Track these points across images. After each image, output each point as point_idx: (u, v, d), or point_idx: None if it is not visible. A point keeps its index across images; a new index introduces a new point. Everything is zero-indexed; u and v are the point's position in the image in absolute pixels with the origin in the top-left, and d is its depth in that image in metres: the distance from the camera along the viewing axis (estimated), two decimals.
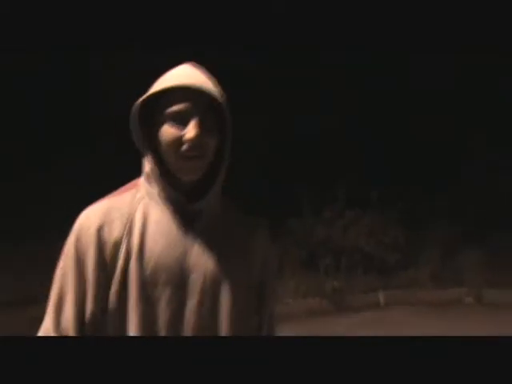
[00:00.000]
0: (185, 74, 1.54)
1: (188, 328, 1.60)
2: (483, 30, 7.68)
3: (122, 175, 2.00)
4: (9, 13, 7.37)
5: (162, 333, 1.58)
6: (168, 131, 1.54)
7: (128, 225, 1.58)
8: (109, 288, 1.57)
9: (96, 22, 7.47)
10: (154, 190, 1.60)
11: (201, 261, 1.59)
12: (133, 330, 1.57)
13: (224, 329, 1.62)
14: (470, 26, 7.71)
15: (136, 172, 1.72)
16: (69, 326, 1.59)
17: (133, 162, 1.97)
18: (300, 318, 6.72)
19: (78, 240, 1.58)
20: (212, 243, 1.61)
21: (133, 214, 1.59)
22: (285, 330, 2.69)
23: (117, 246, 1.56)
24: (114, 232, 1.57)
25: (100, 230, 1.57)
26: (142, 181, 1.64)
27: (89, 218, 1.58)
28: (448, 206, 9.18)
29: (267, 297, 1.74)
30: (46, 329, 1.62)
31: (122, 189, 1.66)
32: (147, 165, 1.61)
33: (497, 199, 9.38)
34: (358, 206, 8.22)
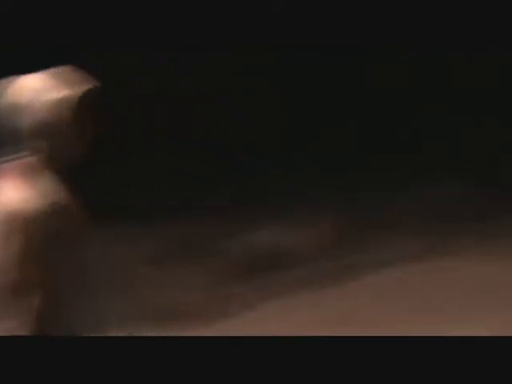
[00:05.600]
0: None
1: None
2: (484, 29, 7.69)
3: None
4: (10, 13, 7.38)
5: None
6: None
7: None
8: None
9: (96, 22, 7.48)
10: None
11: None
12: None
13: None
14: (471, 26, 7.72)
15: None
16: None
17: None
18: None
19: None
20: None
21: None
22: None
23: None
24: None
25: None
26: None
27: None
28: None
29: None
30: None
31: None
32: None
33: None
34: None
